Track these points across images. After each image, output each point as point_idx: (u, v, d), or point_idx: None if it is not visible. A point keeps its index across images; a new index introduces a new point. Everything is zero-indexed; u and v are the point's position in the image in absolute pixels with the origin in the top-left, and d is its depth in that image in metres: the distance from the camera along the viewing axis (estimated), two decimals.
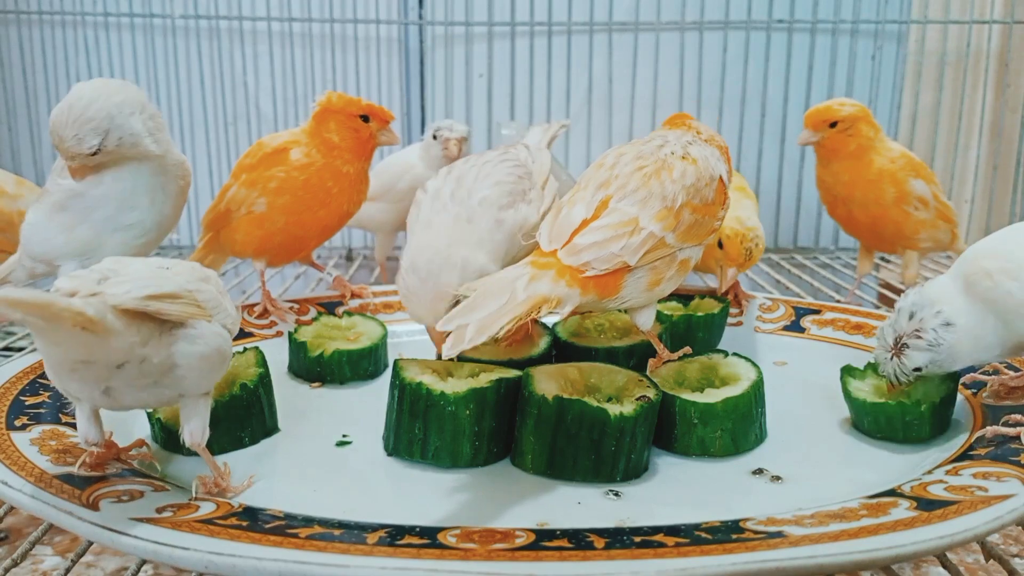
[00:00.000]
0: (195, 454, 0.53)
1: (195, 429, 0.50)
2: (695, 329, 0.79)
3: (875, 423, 0.61)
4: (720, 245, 0.80)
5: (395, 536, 0.42)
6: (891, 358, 0.59)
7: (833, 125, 0.93)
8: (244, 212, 0.82)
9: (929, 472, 0.51)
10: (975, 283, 0.56)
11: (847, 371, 0.65)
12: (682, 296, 0.84)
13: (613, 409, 0.54)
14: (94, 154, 0.68)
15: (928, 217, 0.95)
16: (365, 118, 0.83)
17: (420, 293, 0.61)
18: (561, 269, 0.56)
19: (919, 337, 0.57)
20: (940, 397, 0.59)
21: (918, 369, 0.58)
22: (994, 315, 0.56)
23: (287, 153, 0.82)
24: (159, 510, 0.44)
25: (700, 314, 0.79)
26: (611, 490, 0.54)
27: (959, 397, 0.63)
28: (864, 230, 0.98)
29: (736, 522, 0.44)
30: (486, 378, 0.58)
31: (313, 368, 0.73)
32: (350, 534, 0.43)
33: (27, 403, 0.57)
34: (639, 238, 0.58)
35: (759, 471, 0.56)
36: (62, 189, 0.72)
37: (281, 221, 0.82)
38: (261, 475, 0.54)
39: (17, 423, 0.54)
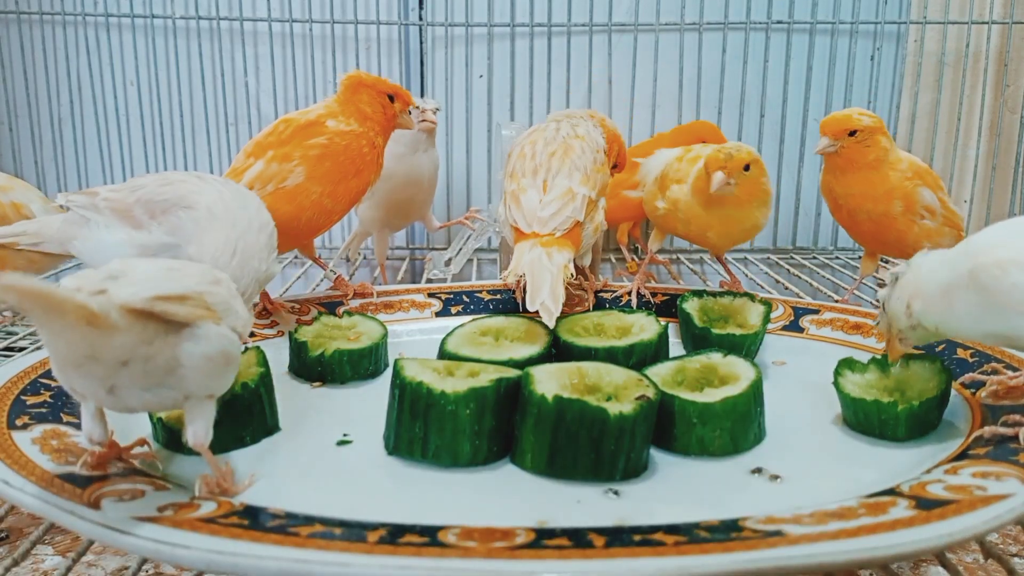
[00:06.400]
0: (196, 453, 0.53)
1: (199, 431, 0.49)
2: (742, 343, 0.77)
3: (855, 416, 0.62)
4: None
5: (395, 535, 0.42)
6: (881, 312, 0.61)
7: (852, 134, 0.89)
8: (271, 189, 0.82)
9: (928, 471, 0.51)
10: (982, 269, 0.53)
11: (846, 363, 0.65)
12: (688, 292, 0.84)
13: (612, 408, 0.54)
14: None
15: (934, 226, 0.92)
16: (391, 98, 0.88)
17: None
18: (548, 241, 0.72)
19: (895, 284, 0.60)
20: (920, 401, 0.60)
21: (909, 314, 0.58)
22: (989, 302, 0.53)
23: (324, 124, 0.84)
24: (160, 509, 0.44)
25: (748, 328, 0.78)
26: (610, 489, 0.54)
27: (958, 397, 0.63)
28: (867, 235, 0.95)
29: (735, 521, 0.44)
30: (486, 378, 0.58)
31: (314, 368, 0.73)
32: (351, 533, 0.43)
33: (28, 403, 0.58)
34: (579, 201, 0.75)
35: (758, 470, 0.57)
36: None
37: (316, 192, 0.83)
38: (262, 474, 0.54)
39: (18, 422, 0.54)
